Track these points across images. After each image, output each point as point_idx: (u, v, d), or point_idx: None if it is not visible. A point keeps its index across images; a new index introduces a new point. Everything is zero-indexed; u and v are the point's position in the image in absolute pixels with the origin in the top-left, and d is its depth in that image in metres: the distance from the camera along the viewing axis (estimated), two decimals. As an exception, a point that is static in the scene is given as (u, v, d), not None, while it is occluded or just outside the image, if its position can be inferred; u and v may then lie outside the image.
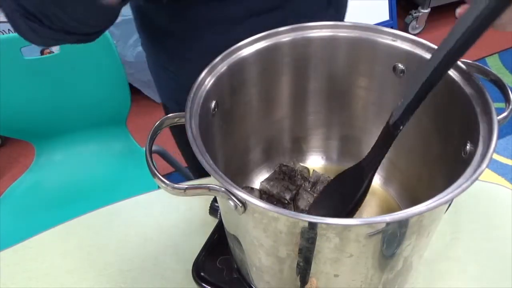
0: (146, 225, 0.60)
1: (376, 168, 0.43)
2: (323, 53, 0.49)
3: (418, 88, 0.36)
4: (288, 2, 0.58)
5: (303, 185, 0.54)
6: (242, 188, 0.53)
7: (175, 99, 0.73)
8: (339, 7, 0.68)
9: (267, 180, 0.55)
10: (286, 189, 0.54)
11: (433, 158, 0.47)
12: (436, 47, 0.42)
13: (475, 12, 0.31)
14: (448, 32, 0.33)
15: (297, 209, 0.53)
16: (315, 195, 0.53)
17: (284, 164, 0.56)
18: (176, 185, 0.35)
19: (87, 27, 0.47)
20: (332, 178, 0.54)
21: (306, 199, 0.52)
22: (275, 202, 0.53)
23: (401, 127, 0.39)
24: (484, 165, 0.32)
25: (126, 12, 1.56)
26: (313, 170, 0.57)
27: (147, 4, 0.60)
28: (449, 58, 0.34)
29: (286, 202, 0.53)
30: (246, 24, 0.56)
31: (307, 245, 0.34)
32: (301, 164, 0.58)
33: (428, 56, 0.43)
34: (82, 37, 0.48)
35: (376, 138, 0.55)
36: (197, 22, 0.59)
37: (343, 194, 0.47)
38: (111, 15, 0.47)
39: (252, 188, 0.55)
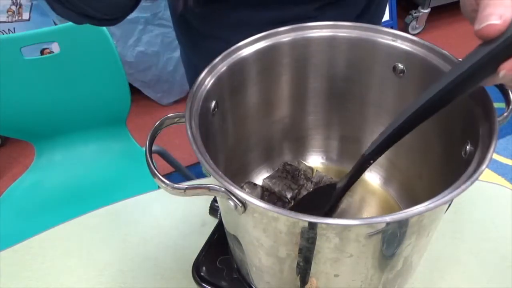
0: (146, 225, 0.60)
1: (345, 192, 0.44)
2: (323, 53, 0.49)
3: (392, 130, 0.36)
4: (320, 13, 0.59)
5: (305, 185, 0.54)
6: (245, 183, 0.53)
7: None
8: (372, 18, 0.68)
9: (270, 177, 0.55)
10: (288, 188, 0.54)
11: (433, 158, 0.47)
12: (436, 47, 0.43)
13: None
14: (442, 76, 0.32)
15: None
16: None
17: (288, 163, 0.56)
18: (176, 185, 0.35)
19: (103, 15, 0.48)
20: (333, 178, 0.54)
21: None
22: (276, 200, 0.53)
23: (372, 162, 0.40)
24: (484, 165, 0.32)
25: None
26: (316, 170, 0.57)
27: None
28: (429, 108, 0.34)
29: (287, 201, 0.53)
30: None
31: (307, 245, 0.34)
32: (305, 164, 0.57)
33: (428, 56, 0.43)
34: (103, 22, 0.49)
35: (376, 138, 0.55)
36: (226, 25, 0.61)
37: (315, 206, 0.47)
38: (123, 8, 0.48)
39: (255, 184, 0.55)
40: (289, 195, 0.53)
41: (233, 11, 0.59)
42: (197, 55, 0.70)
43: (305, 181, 0.55)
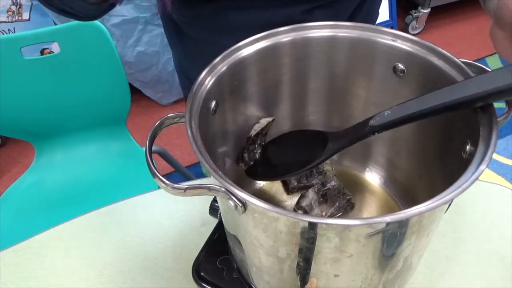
0: (146, 225, 0.60)
1: (335, 153, 0.43)
2: (323, 53, 0.49)
3: (411, 112, 0.37)
4: (308, 16, 0.58)
5: (315, 187, 0.54)
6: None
7: None
8: (367, 17, 0.67)
9: None
10: (296, 179, 0.54)
11: (433, 158, 0.47)
12: (436, 47, 0.43)
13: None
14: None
15: (297, 205, 0.53)
16: (320, 199, 0.53)
17: None
18: (176, 185, 0.35)
19: (81, 14, 0.49)
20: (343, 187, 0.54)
21: (310, 199, 0.52)
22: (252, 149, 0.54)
23: (376, 134, 0.40)
24: (484, 165, 0.32)
25: (126, 12, 1.56)
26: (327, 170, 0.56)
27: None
28: (456, 104, 0.35)
29: (289, 189, 0.55)
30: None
31: (307, 245, 0.34)
32: (331, 167, 0.56)
33: (428, 56, 0.43)
34: (83, 19, 0.50)
35: (376, 138, 0.55)
36: (213, 29, 0.60)
37: (298, 153, 0.47)
38: (100, 12, 0.49)
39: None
40: (290, 185, 0.54)
41: (218, 14, 0.59)
42: (187, 59, 0.70)
43: (318, 181, 0.55)
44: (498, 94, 0.33)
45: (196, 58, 0.66)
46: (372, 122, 0.39)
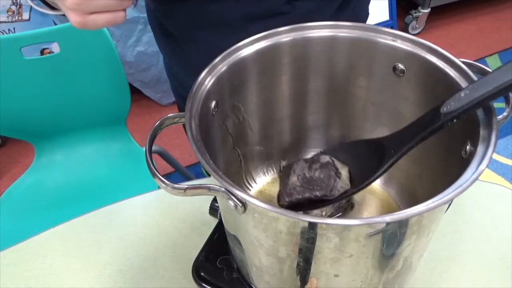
0: (146, 225, 0.60)
1: (401, 156, 0.38)
2: (323, 53, 0.49)
3: (498, 84, 0.32)
4: (293, 7, 0.57)
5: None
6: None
7: (183, 97, 0.74)
8: (355, 14, 0.65)
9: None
10: (307, 189, 0.49)
11: (433, 158, 0.47)
12: (436, 47, 0.43)
13: None
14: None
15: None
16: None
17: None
18: (176, 185, 0.35)
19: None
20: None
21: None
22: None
23: (454, 121, 0.34)
24: (484, 165, 0.32)
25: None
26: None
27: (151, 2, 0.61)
28: None
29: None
30: (246, 28, 0.55)
31: (307, 245, 0.34)
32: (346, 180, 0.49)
33: (428, 56, 0.43)
34: None
35: (376, 137, 0.55)
36: (195, 24, 0.59)
37: (359, 165, 0.43)
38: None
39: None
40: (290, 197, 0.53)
41: (195, 7, 0.57)
42: (174, 61, 0.69)
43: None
44: None
45: (182, 58, 0.65)
46: (445, 109, 0.34)
